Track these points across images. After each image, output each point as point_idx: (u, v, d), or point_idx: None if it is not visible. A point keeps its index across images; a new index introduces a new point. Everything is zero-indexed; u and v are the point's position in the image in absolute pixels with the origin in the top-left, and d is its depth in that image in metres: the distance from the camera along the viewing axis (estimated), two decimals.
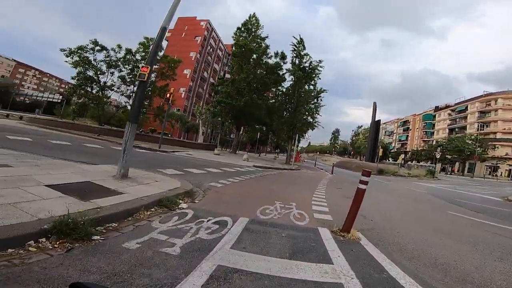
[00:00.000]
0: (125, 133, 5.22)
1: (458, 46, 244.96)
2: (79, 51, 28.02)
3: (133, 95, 28.48)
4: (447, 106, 76.83)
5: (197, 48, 73.58)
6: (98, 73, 28.88)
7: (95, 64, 28.55)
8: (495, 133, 54.79)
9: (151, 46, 6.07)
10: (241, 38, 27.97)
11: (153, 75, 31.34)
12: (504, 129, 54.66)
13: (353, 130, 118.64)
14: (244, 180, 9.27)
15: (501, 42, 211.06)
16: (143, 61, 30.74)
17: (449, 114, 73.90)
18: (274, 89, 31.37)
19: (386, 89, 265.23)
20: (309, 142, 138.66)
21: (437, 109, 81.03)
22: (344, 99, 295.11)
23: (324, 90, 27.32)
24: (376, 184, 16.93)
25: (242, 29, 28.77)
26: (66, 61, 27.74)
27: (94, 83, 29.45)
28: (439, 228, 5.58)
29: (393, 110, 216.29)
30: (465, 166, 51.68)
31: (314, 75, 27.46)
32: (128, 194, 4.23)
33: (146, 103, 31.75)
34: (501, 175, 46.83)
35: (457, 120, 70.27)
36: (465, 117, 67.01)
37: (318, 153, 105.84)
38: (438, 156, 42.67)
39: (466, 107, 67.21)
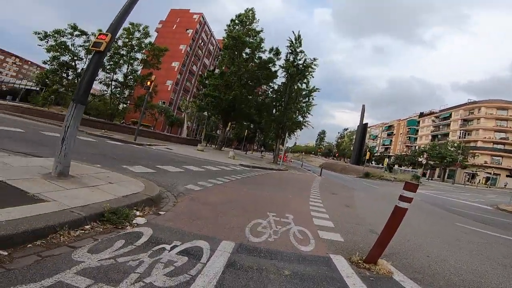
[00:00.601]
0: (66, 116, 3.76)
1: (445, 56, 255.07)
2: (55, 35, 25.63)
3: (111, 82, 26.40)
4: (431, 113, 78.73)
5: (188, 41, 71.31)
6: (75, 58, 26.50)
7: (72, 49, 26.20)
8: (476, 141, 56.31)
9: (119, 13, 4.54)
10: (234, 30, 26.47)
11: (135, 63, 29.28)
12: (485, 138, 56.30)
13: (339, 132, 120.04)
14: (229, 182, 7.94)
15: (487, 53, 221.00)
16: (125, 48, 28.66)
17: (433, 121, 75.68)
18: (265, 86, 30.14)
19: (374, 94, 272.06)
20: (295, 142, 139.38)
21: (421, 115, 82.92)
22: (331, 102, 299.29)
23: (317, 89, 26.42)
24: (367, 189, 16.10)
25: (236, 21, 27.23)
26: (40, 45, 25.33)
27: (70, 69, 27.04)
28: (470, 249, 4.51)
29: (379, 115, 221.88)
30: (445, 172, 52.74)
31: (307, 73, 26.52)
32: (52, 203, 2.81)
33: (126, 92, 29.67)
34: (479, 182, 48.08)
35: (440, 127, 72.03)
36: (448, 124, 68.71)
37: (303, 153, 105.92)
38: (424, 162, 43.10)
39: (450, 115, 68.92)
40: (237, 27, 26.96)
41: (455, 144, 51.32)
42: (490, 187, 43.80)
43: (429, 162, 47.93)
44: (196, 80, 64.12)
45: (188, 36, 71.53)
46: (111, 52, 27.35)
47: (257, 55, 26.61)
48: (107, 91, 28.65)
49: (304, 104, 27.03)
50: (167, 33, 69.84)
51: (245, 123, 38.58)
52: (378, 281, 2.60)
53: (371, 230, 4.73)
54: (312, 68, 26.53)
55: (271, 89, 29.99)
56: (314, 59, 26.48)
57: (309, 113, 27.51)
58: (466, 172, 51.13)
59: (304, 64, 26.40)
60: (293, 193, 8.19)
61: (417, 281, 2.71)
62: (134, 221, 3.08)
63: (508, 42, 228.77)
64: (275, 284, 2.25)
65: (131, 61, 27.94)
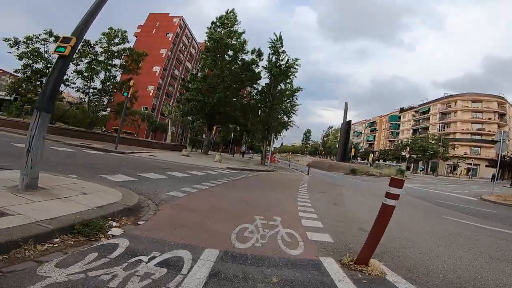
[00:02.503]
0: (30, 126, 3.48)
1: (425, 56, 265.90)
2: (28, 41, 24.48)
3: (89, 90, 25.48)
4: (411, 108, 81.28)
5: (169, 45, 70.39)
6: (49, 66, 25.39)
7: (46, 56, 25.08)
8: (455, 133, 58.64)
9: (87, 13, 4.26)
10: (215, 32, 26.18)
11: (114, 69, 28.44)
12: (463, 129, 58.73)
13: (324, 131, 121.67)
14: (214, 186, 7.73)
15: (461, 52, 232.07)
16: (104, 54, 27.78)
17: (413, 115, 78.18)
18: (249, 88, 30.06)
19: (358, 91, 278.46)
20: (282, 143, 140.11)
21: (402, 110, 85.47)
22: (316, 100, 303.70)
23: (300, 88, 26.61)
24: (355, 185, 16.31)
25: (217, 23, 26.95)
26: (10, 52, 24.13)
27: (44, 77, 25.89)
28: (462, 243, 4.53)
29: (363, 113, 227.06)
30: (428, 165, 54.53)
31: (290, 74, 26.68)
32: (17, 217, 2.54)
33: (105, 100, 28.76)
34: (460, 173, 50.03)
35: (420, 121, 74.52)
36: (428, 118, 71.19)
37: (291, 153, 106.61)
38: (407, 155, 44.33)
39: (429, 109, 71.47)
40: (218, 30, 26.72)
41: (436, 137, 53.19)
42: (471, 178, 45.57)
43: (412, 155, 49.36)
44: (179, 84, 63.28)
45: (169, 40, 70.63)
46: (89, 58, 26.45)
47: (240, 57, 26.48)
48: (85, 99, 27.63)
49: (288, 104, 27.14)
50: (146, 38, 68.53)
51: (231, 126, 38.32)
52: (371, 283, 2.49)
53: (361, 229, 4.67)
54: (294, 68, 26.74)
55: (255, 91, 29.98)
56: (296, 59, 26.72)
57: (293, 113, 27.67)
58: (448, 164, 53.03)
59: (287, 64, 26.56)
60: (281, 193, 8.09)
61: (412, 281, 2.62)
62: (109, 233, 2.85)
63: (480, 39, 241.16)
64: None
65: (108, 67, 27.06)
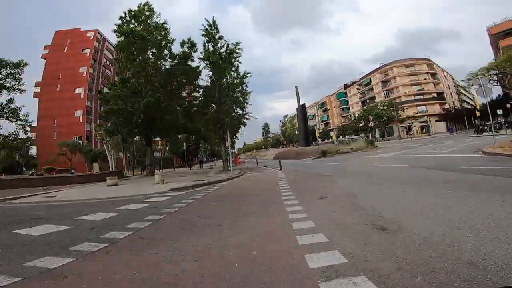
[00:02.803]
0: None
1: (351, 37, 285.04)
2: None
3: None
4: (353, 83, 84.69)
5: (88, 62, 61.65)
6: None
7: None
8: (400, 97, 61.60)
9: None
10: (127, 27, 20.79)
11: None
12: (405, 92, 62.00)
13: (280, 121, 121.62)
14: (134, 240, 3.49)
15: (378, 29, 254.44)
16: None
17: (358, 89, 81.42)
18: (192, 87, 25.47)
19: (302, 79, 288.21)
20: (244, 142, 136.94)
21: (346, 86, 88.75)
22: (266, 95, 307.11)
23: (248, 73, 22.96)
24: (341, 170, 13.20)
25: (128, 17, 21.45)
26: None
27: None
28: None
29: (313, 98, 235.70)
30: (385, 131, 56.12)
31: (233, 60, 22.88)
32: None
33: None
34: (417, 132, 52.15)
35: (366, 92, 77.67)
36: (372, 89, 74.36)
37: (255, 150, 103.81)
38: (372, 124, 44.08)
39: (370, 80, 74.71)
40: (131, 25, 21.27)
41: (386, 104, 54.84)
42: (429, 135, 47.28)
43: (368, 125, 49.86)
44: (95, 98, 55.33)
45: (87, 57, 62.11)
46: None
47: (165, 51, 21.76)
48: None
49: (239, 94, 23.38)
50: (58, 58, 59.77)
51: (179, 136, 33.25)
52: None
53: None
54: (237, 53, 23.01)
55: (198, 88, 25.61)
56: (237, 43, 22.96)
57: (247, 103, 23.98)
58: (403, 126, 55.12)
59: (228, 50, 22.73)
60: (257, 224, 4.20)
61: None
62: None
63: (391, 14, 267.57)
64: None
65: None
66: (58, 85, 58.78)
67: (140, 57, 19.76)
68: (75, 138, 53.82)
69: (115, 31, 20.54)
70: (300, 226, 3.71)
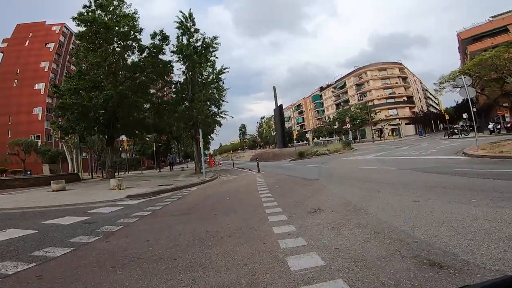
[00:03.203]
0: None
1: (327, 41, 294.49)
2: None
3: None
4: (328, 85, 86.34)
5: (51, 56, 57.55)
6: None
7: None
8: (372, 100, 63.43)
9: None
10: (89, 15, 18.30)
11: None
12: (378, 96, 64.03)
13: (257, 122, 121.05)
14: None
15: (353, 33, 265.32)
16: None
17: (333, 91, 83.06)
18: (163, 82, 23.41)
19: (279, 81, 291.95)
20: (220, 144, 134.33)
21: (321, 89, 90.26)
22: (244, 96, 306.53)
23: (225, 68, 21.44)
24: (325, 172, 12.19)
25: (93, 7, 18.94)
26: None
27: None
28: None
29: (288, 100, 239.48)
30: (359, 133, 57.33)
31: (209, 55, 21.30)
32: None
33: None
34: (388, 135, 53.79)
35: (340, 95, 79.37)
36: (346, 92, 76.10)
37: (231, 151, 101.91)
38: (349, 126, 44.34)
39: (344, 83, 76.46)
40: (96, 14, 18.81)
41: (360, 106, 56.06)
42: (400, 138, 48.74)
43: (344, 127, 50.48)
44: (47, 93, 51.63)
45: (50, 51, 57.98)
46: None
47: (133, 43, 19.64)
48: None
49: (215, 90, 21.77)
50: (18, 51, 55.73)
51: (148, 136, 30.80)
52: None
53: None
54: (213, 47, 21.47)
55: (169, 85, 23.68)
56: (215, 37, 21.43)
57: (223, 100, 22.42)
58: (375, 129, 56.62)
59: (204, 44, 21.12)
60: (231, 244, 2.82)
61: None
62: None
63: (365, 19, 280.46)
64: None
65: None
66: (16, 80, 54.03)
67: (103, 48, 17.41)
68: (32, 137, 49.23)
69: (74, 18, 17.96)
70: (300, 263, 2.41)
